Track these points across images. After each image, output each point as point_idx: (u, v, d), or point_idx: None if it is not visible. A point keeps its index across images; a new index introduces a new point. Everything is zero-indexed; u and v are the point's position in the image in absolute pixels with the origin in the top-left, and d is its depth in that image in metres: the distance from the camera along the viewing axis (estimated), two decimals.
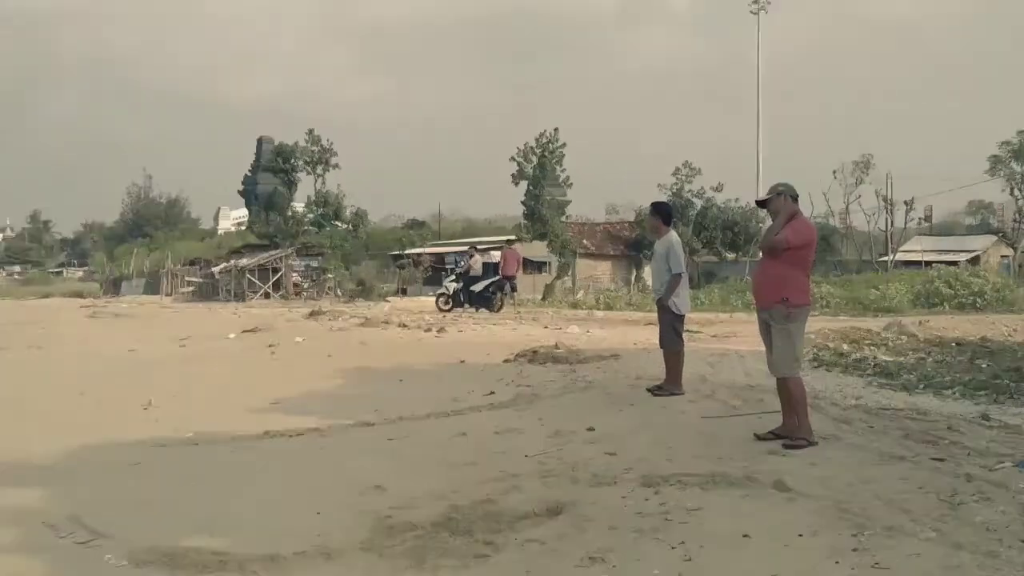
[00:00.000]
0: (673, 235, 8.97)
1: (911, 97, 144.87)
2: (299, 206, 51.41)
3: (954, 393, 9.05)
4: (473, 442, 7.03)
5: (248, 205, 63.46)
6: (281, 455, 6.90)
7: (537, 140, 42.50)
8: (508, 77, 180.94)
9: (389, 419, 8.19)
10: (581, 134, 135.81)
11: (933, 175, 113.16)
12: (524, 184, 42.68)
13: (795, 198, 6.53)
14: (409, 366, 12.41)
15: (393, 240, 56.91)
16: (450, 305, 25.01)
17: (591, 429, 7.16)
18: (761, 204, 6.96)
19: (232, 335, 18.05)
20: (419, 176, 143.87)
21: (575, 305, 30.21)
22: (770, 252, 6.56)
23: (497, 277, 25.25)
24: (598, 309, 27.76)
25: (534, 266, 45.95)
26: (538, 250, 43.18)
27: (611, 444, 6.61)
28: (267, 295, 41.04)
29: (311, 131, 49.81)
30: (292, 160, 50.10)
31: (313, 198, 50.22)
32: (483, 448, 6.79)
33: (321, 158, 49.89)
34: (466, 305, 24.70)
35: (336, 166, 50.43)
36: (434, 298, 27.59)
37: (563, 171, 43.65)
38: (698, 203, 48.72)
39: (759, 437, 6.50)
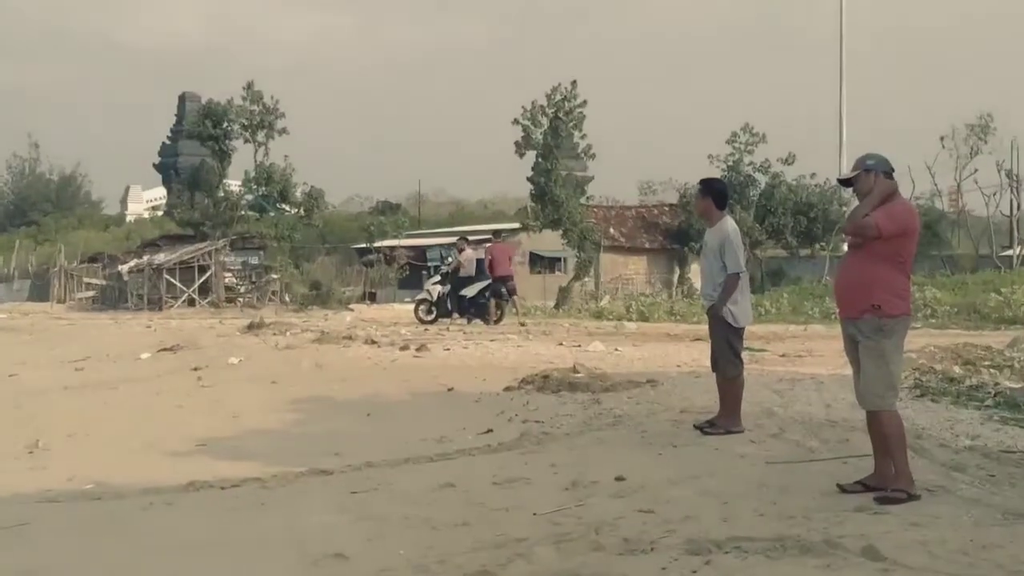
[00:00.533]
0: (729, 222, 8.97)
1: None
2: (234, 184, 51.32)
3: None
4: (464, 496, 7.02)
5: (167, 183, 63.70)
6: (210, 513, 6.89)
7: (549, 97, 42.15)
8: (509, 8, 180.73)
9: (353, 466, 8.19)
10: (607, 89, 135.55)
11: None
12: (531, 155, 42.43)
13: (890, 174, 6.51)
14: (380, 396, 12.42)
15: (358, 229, 56.86)
16: (433, 315, 25.01)
17: (620, 479, 7.16)
18: (845, 183, 6.94)
19: (145, 355, 18.06)
20: (392, 145, 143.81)
21: (599, 315, 30.26)
22: (856, 240, 6.55)
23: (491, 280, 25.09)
24: (629, 320, 27.77)
25: (544, 263, 45.99)
26: (550, 242, 43.19)
27: (646, 499, 6.61)
28: (191, 302, 41.14)
29: (250, 85, 49.55)
30: (225, 124, 49.92)
31: (253, 174, 50.00)
32: (477, 504, 6.78)
33: (264, 121, 49.60)
34: (455, 315, 24.71)
35: (284, 131, 50.06)
36: (412, 305, 27.62)
37: (583, 138, 43.23)
38: (762, 180, 48.75)
39: (843, 489, 6.50)
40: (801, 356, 16.04)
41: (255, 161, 49.50)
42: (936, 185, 51.09)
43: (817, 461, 7.55)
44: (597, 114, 44.97)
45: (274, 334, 21.10)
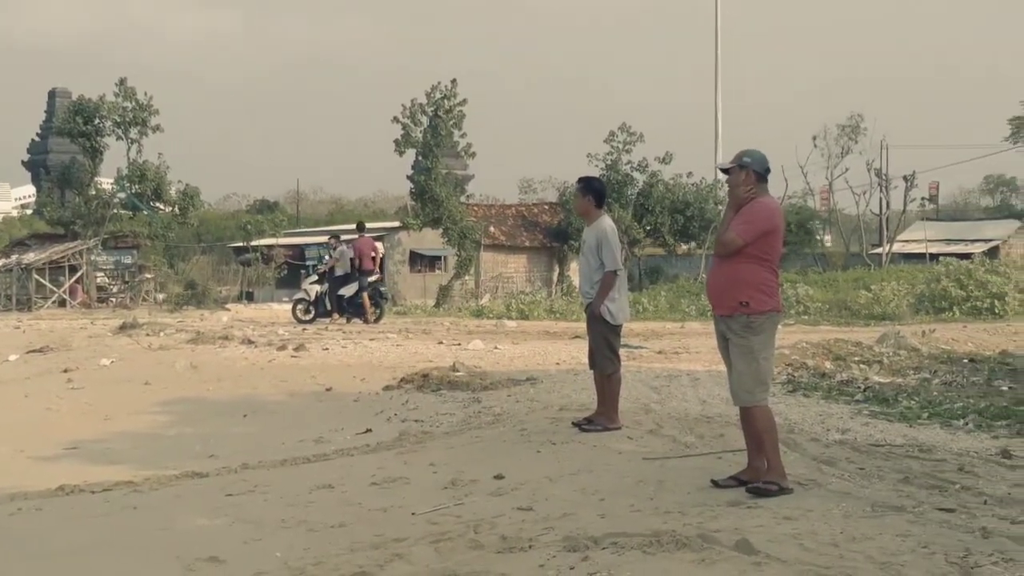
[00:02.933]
0: (607, 221, 9.04)
1: (912, 45, 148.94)
2: (106, 182, 50.33)
3: (967, 424, 9.33)
4: (342, 497, 6.97)
5: (36, 181, 62.07)
6: (80, 518, 6.73)
7: (428, 95, 42.12)
8: (392, 9, 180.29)
9: (228, 467, 8.09)
10: (487, 88, 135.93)
11: (940, 143, 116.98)
12: (412, 153, 42.51)
13: (763, 174, 6.60)
14: (256, 397, 12.30)
15: (235, 228, 56.15)
16: (312, 314, 24.87)
17: (499, 477, 7.17)
18: (725, 171, 7.03)
19: (13, 357, 17.67)
20: (270, 143, 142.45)
21: (479, 313, 30.35)
22: (722, 254, 6.65)
23: (374, 277, 24.94)
24: (509, 318, 27.93)
25: (425, 262, 45.82)
26: (430, 241, 43.11)
27: (525, 496, 6.63)
28: (62, 302, 40.25)
29: (122, 81, 48.68)
30: (96, 120, 48.93)
31: (125, 171, 49.11)
32: (355, 505, 6.73)
33: (137, 118, 48.75)
34: (334, 314, 24.58)
35: (157, 128, 49.31)
36: (290, 305, 27.39)
37: (463, 136, 43.29)
38: (640, 179, 49.10)
39: (717, 484, 6.59)
40: (678, 353, 16.29)
41: (128, 159, 48.55)
42: (808, 184, 52.34)
43: (692, 456, 7.65)
44: (477, 112, 45.02)
45: (147, 335, 20.71)
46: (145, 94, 48.41)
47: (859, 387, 11.61)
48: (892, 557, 4.96)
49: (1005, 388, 11.35)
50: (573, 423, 8.92)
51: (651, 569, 4.96)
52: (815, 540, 5.29)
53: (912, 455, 7.68)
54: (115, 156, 49.95)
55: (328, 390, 12.47)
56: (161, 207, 48.81)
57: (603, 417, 8.75)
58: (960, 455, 7.65)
